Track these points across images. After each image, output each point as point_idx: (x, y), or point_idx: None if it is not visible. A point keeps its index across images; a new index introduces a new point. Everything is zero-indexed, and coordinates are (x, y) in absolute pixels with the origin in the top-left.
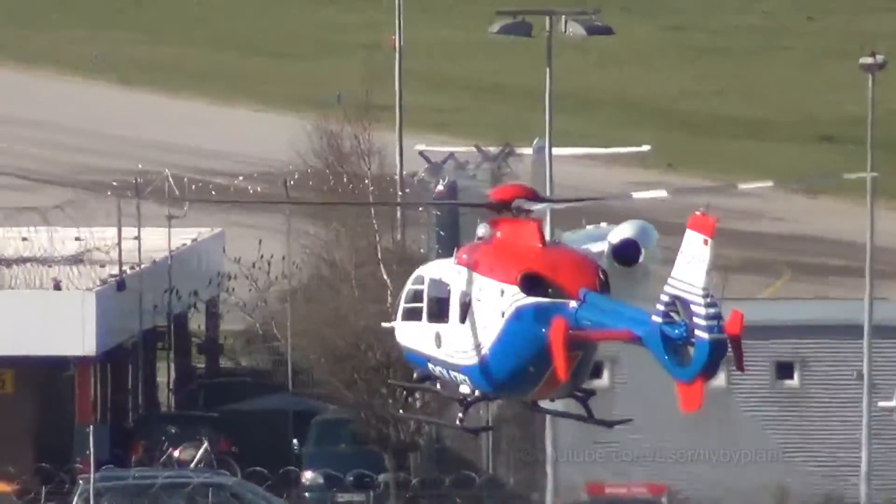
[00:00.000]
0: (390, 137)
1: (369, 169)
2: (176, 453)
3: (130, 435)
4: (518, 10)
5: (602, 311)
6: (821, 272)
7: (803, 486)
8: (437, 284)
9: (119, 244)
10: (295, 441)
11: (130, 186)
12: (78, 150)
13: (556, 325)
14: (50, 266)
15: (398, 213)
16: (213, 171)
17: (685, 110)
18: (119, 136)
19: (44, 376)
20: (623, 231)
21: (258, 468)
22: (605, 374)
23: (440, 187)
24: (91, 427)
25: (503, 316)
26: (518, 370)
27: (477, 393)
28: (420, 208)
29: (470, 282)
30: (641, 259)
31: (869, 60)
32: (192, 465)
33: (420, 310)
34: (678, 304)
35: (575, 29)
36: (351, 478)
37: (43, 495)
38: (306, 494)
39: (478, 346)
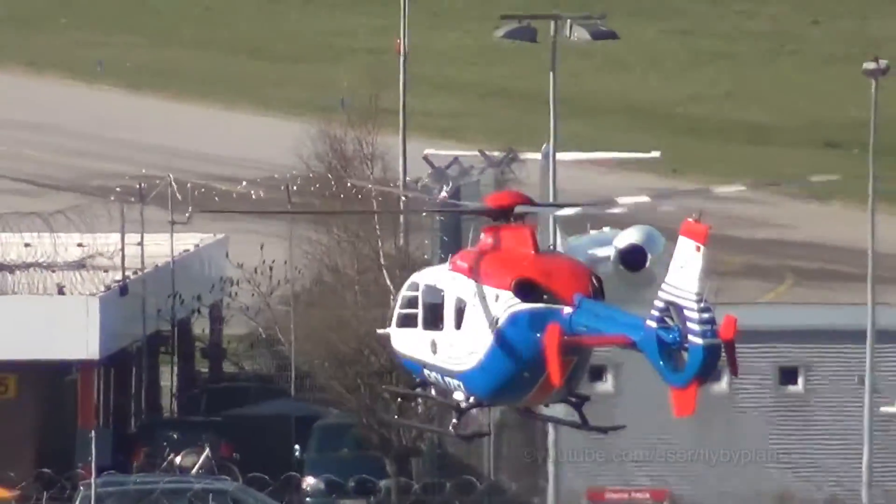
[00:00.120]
0: (395, 142)
1: (372, 174)
2: (177, 459)
3: (133, 441)
4: (523, 15)
5: (597, 317)
6: (824, 278)
7: (806, 491)
8: (432, 291)
9: (122, 249)
10: (297, 447)
11: (134, 192)
12: (81, 153)
13: (551, 330)
14: (53, 271)
15: (401, 219)
16: (216, 175)
17: (690, 115)
18: (123, 140)
19: (47, 381)
20: (629, 236)
21: (259, 474)
22: (609, 380)
23: (444, 193)
24: (93, 432)
25: (497, 322)
26: (512, 376)
27: (471, 399)
28: (423, 214)
29: (464, 288)
30: (648, 264)
31: (872, 65)
32: (194, 471)
33: (415, 316)
34: (672, 309)
35: (580, 33)
36: (353, 483)
37: (44, 501)
38: (308, 500)
39: (472, 352)
